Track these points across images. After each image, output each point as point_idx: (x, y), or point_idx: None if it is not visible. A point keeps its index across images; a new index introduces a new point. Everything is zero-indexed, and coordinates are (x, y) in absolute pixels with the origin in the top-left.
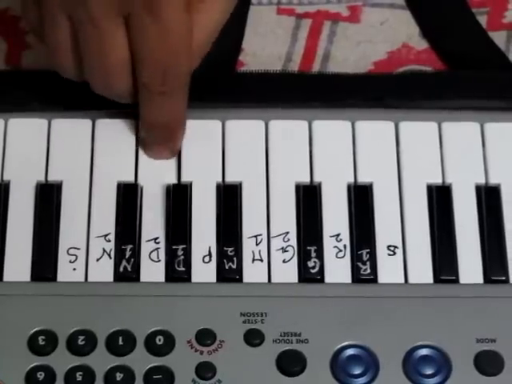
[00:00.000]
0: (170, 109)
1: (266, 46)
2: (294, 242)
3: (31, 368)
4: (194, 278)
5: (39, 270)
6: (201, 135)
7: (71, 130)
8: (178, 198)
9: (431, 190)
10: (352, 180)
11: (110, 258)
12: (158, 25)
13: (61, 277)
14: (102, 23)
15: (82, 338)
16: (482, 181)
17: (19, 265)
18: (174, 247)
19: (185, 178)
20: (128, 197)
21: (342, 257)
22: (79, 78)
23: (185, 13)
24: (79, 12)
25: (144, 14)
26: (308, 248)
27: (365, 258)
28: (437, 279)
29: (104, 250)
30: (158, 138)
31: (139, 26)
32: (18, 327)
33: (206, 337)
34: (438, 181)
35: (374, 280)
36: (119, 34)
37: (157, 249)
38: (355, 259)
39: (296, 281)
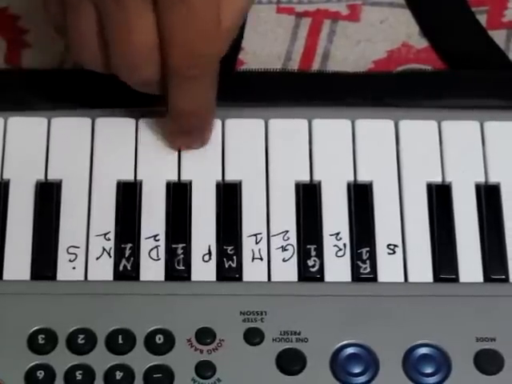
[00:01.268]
0: (200, 94)
1: (266, 45)
2: (293, 240)
3: (31, 367)
4: (194, 277)
5: (39, 269)
6: None
7: (71, 128)
8: (178, 196)
9: (431, 188)
10: (352, 179)
11: (110, 256)
12: (186, 6)
13: (60, 275)
14: (129, 5)
15: (81, 336)
16: (481, 179)
17: (19, 263)
18: (173, 246)
19: (185, 177)
20: (128, 195)
21: (342, 255)
22: (105, 68)
23: None
24: None
25: None
26: (308, 247)
27: (365, 257)
28: (437, 278)
29: (104, 249)
30: (186, 127)
31: (167, 6)
32: (18, 326)
33: (205, 336)
34: (438, 179)
35: (374, 279)
36: (147, 17)
37: (156, 247)
38: (355, 258)
39: (296, 279)
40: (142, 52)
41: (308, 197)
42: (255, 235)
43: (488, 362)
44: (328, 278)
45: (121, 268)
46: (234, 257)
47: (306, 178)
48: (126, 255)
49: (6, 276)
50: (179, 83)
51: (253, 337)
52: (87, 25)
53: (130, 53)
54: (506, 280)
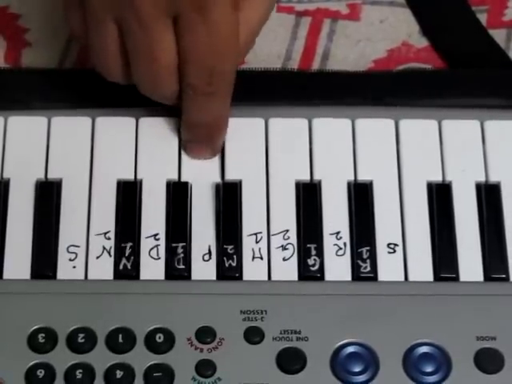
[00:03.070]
0: (215, 108)
1: (266, 44)
2: (293, 239)
3: (31, 366)
4: (194, 276)
5: (39, 268)
6: None
7: (71, 127)
8: (178, 195)
9: (431, 187)
10: (352, 178)
11: (110, 255)
12: (207, 25)
13: (60, 275)
14: (151, 25)
15: (81, 335)
16: (482, 178)
17: (19, 263)
18: (173, 245)
19: (185, 176)
20: (128, 195)
21: (342, 255)
22: (126, 81)
23: (232, 12)
24: (127, 14)
25: (193, 14)
26: (308, 246)
27: (365, 256)
28: (437, 277)
29: (104, 248)
30: (200, 138)
31: (188, 26)
32: (18, 325)
33: (205, 334)
34: (438, 178)
35: (374, 278)
36: (168, 36)
37: (157, 246)
38: (355, 257)
39: (296, 279)
40: (164, 70)
41: (308, 196)
42: (255, 234)
43: (488, 361)
44: (328, 277)
45: (121, 267)
46: (234, 256)
47: (306, 177)
48: (126, 254)
49: (6, 275)
50: (195, 98)
51: (253, 336)
52: (109, 41)
53: (152, 71)
54: (507, 279)
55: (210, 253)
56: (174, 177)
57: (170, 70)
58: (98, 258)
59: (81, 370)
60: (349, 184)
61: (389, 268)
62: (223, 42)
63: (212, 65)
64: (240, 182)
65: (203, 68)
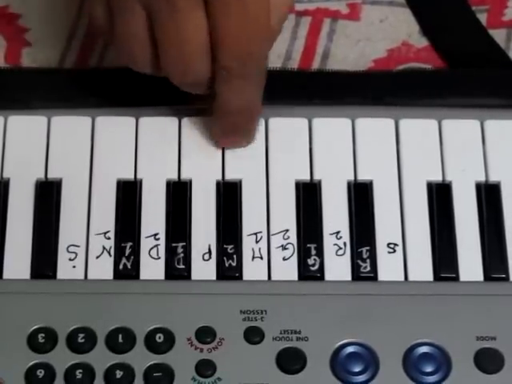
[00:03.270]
0: (249, 93)
1: None
2: (293, 239)
3: (31, 366)
4: (194, 276)
5: (39, 268)
6: (201, 133)
7: (71, 127)
8: (178, 195)
9: (431, 187)
10: (352, 177)
11: (110, 255)
12: (240, 7)
13: (60, 274)
14: (181, 6)
15: (81, 335)
16: (482, 178)
17: (19, 262)
18: (173, 245)
19: (185, 176)
20: (128, 194)
21: (342, 254)
22: (155, 70)
23: None
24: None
25: None
26: (308, 245)
27: (365, 256)
28: (437, 277)
29: (104, 248)
30: (235, 126)
31: (220, 8)
32: (18, 325)
33: (205, 334)
34: (438, 178)
35: (374, 278)
36: (199, 17)
37: (156, 246)
38: (355, 257)
39: (296, 278)
40: (196, 52)
41: (308, 196)
42: (255, 234)
43: (488, 360)
44: (328, 276)
45: (121, 267)
46: (234, 256)
47: (306, 177)
48: (126, 254)
49: (5, 275)
50: (230, 82)
51: (253, 336)
52: (137, 27)
53: (183, 53)
54: (507, 279)
55: (209, 253)
56: (174, 176)
57: (201, 52)
58: (97, 257)
59: (81, 370)
60: (349, 184)
61: (389, 268)
62: (257, 24)
63: (246, 46)
64: (240, 182)
65: (237, 50)
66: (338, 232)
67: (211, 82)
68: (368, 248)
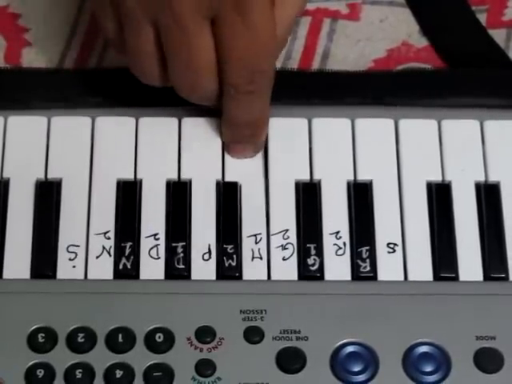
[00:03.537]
0: (257, 107)
1: None
2: (293, 239)
3: (31, 365)
4: (194, 276)
5: (39, 268)
6: (201, 133)
7: (71, 127)
8: (178, 195)
9: (431, 187)
10: (352, 177)
11: (110, 255)
12: (246, 25)
13: (60, 274)
14: (189, 25)
15: (81, 335)
16: (481, 178)
17: (19, 262)
18: (173, 245)
19: (185, 176)
20: (128, 194)
21: (342, 254)
22: (163, 83)
23: (271, 11)
24: (164, 16)
25: (232, 15)
26: (308, 245)
27: (364, 256)
28: (436, 276)
29: (104, 248)
30: (243, 138)
31: (227, 27)
32: (18, 325)
33: (205, 334)
34: (438, 178)
35: (374, 277)
36: (206, 36)
37: (156, 246)
38: (355, 257)
39: (296, 278)
40: (203, 70)
41: (308, 196)
42: (255, 234)
43: (488, 360)
44: (328, 276)
45: (121, 267)
46: (234, 255)
47: (305, 177)
48: (126, 254)
49: (5, 275)
50: (237, 98)
51: (253, 335)
52: (146, 43)
53: (191, 72)
54: (506, 279)
55: (209, 252)
56: (174, 177)
57: (209, 69)
58: (97, 257)
59: (80, 370)
60: (348, 184)
61: (388, 268)
62: (263, 42)
63: (253, 64)
64: (240, 182)
65: (244, 67)
66: (337, 232)
67: (219, 95)
68: (368, 248)
